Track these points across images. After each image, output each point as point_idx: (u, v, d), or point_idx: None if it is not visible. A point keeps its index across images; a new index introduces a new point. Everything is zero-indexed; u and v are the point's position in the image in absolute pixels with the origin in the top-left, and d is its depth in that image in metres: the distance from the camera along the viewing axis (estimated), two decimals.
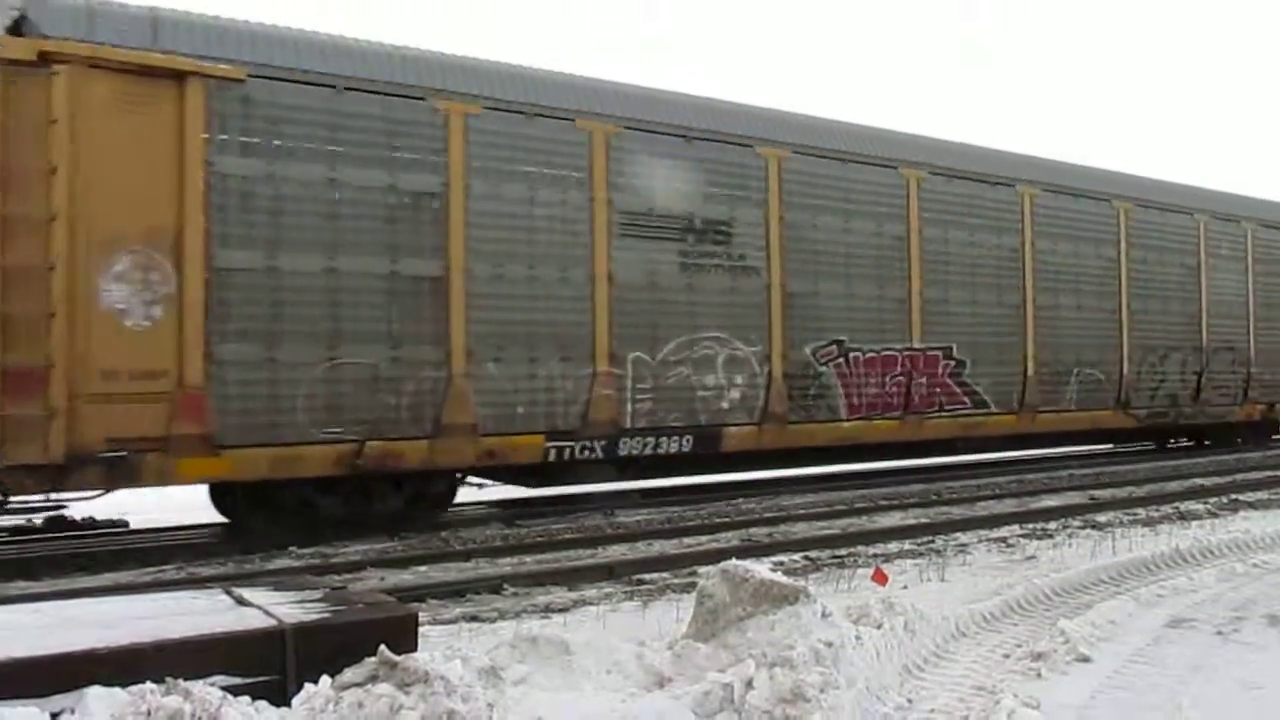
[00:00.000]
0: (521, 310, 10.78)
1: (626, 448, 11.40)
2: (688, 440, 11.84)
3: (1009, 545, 9.11)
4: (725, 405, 12.14)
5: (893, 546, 9.19)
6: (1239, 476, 14.41)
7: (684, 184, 11.95)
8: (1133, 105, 73.50)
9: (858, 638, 4.77)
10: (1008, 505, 11.88)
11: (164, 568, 8.72)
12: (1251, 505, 11.48)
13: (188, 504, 11.27)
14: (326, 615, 4.32)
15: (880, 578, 6.94)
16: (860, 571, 7.61)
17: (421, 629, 4.68)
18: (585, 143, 11.25)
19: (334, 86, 9.79)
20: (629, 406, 11.39)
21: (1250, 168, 59.29)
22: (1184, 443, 19.94)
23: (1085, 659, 5.18)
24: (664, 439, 11.65)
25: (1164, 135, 67.68)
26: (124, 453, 8.61)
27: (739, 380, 12.28)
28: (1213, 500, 11.88)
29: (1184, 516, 10.64)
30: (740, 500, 12.48)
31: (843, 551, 8.94)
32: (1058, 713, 4.40)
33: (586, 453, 11.15)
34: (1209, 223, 18.34)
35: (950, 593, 6.81)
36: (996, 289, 14.99)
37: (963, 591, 6.81)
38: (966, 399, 14.50)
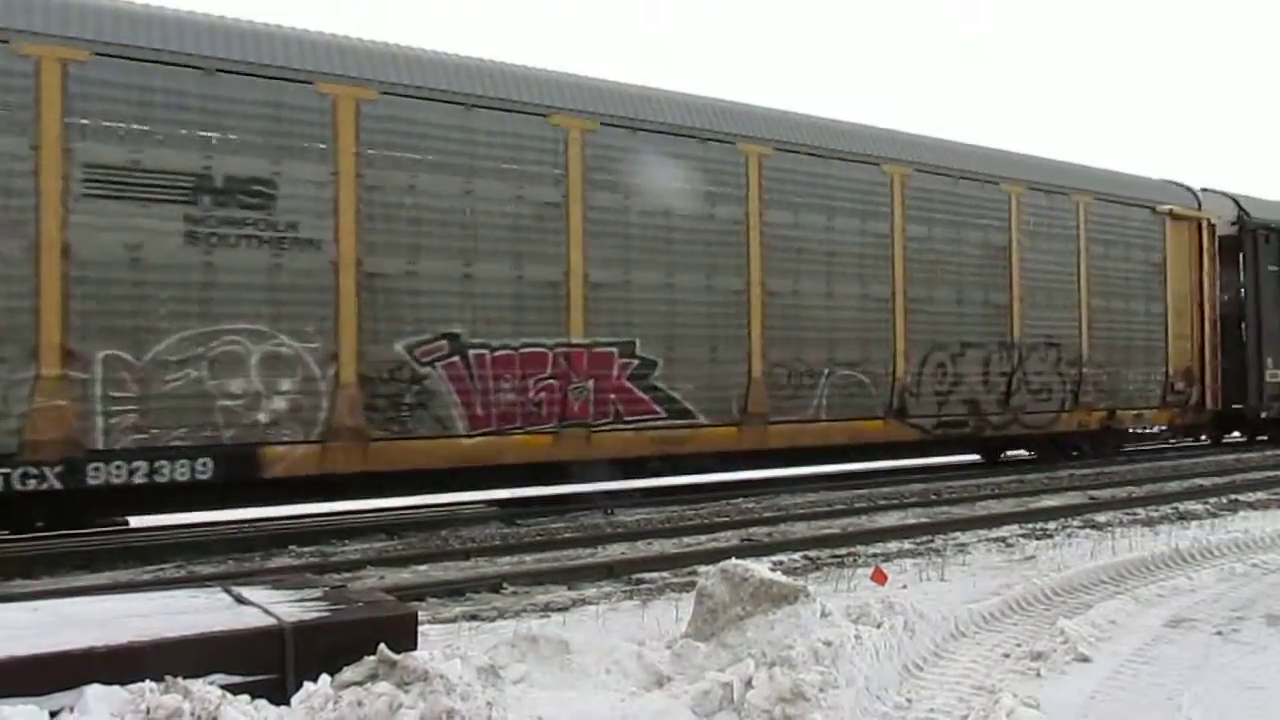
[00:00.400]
0: None
1: (102, 475, 8.73)
2: (205, 464, 9.19)
3: (1008, 545, 9.11)
4: (264, 418, 9.42)
5: (892, 546, 9.18)
6: (1239, 477, 14.40)
7: (193, 130, 9.24)
8: (1132, 105, 73.47)
9: (857, 637, 4.76)
10: (1007, 505, 11.88)
11: (163, 566, 8.73)
12: (1251, 505, 11.47)
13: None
14: (326, 614, 4.31)
15: (880, 577, 6.95)
16: (860, 571, 7.62)
17: (421, 628, 4.67)
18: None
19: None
20: (99, 421, 8.71)
21: (1251, 167, 59.32)
22: (1022, 454, 17.28)
23: (1085, 659, 5.18)
24: (165, 463, 8.97)
25: (1163, 135, 67.68)
26: None
27: (286, 386, 9.55)
28: (1212, 500, 11.88)
29: (1183, 516, 10.63)
30: (740, 499, 12.48)
31: (842, 551, 8.94)
32: (1057, 712, 4.40)
33: (33, 482, 8.52)
34: (1024, 195, 15.35)
35: (950, 592, 6.81)
36: (705, 270, 12.04)
37: (962, 591, 6.81)
38: (658, 407, 11.64)
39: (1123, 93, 73.65)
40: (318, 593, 4.75)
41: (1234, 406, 19.04)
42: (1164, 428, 18.68)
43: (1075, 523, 10.34)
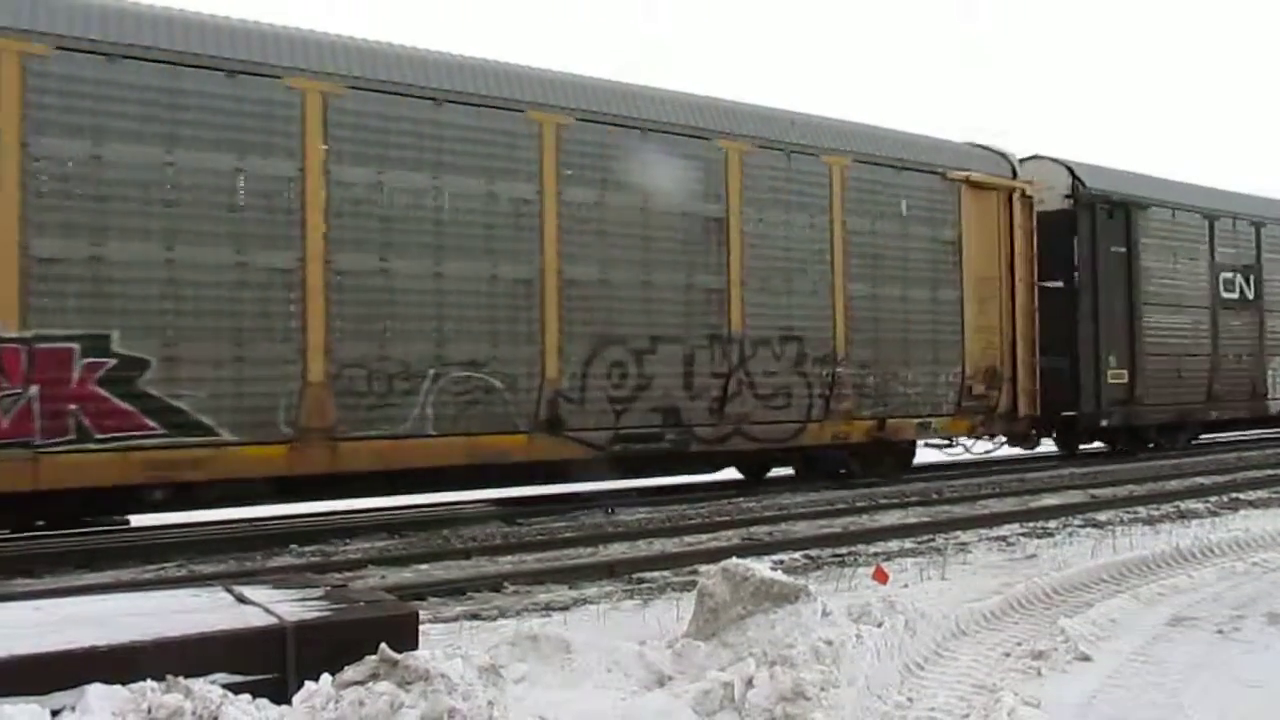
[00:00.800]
0: None
1: None
2: None
3: (1010, 544, 9.11)
4: None
5: (893, 545, 9.18)
6: (1240, 475, 14.39)
7: None
8: (1133, 104, 73.42)
9: (858, 636, 4.77)
10: (1008, 504, 11.87)
11: (165, 565, 8.73)
12: (1252, 504, 11.46)
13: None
14: (327, 613, 4.32)
15: (881, 576, 6.95)
16: (861, 570, 7.62)
17: (422, 627, 4.68)
18: None
19: None
20: None
21: (1254, 166, 59.26)
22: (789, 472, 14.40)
23: (1086, 658, 5.17)
24: None
25: (1165, 134, 67.62)
26: None
27: None
28: (1213, 499, 11.87)
29: (1184, 515, 10.62)
30: (741, 499, 12.47)
31: (843, 550, 8.94)
32: (1058, 711, 4.40)
33: None
34: (750, 154, 12.26)
35: (951, 591, 6.81)
36: (233, 242, 9.24)
37: (963, 590, 6.81)
38: (152, 421, 8.81)
39: (1123, 93, 73.63)
40: (319, 592, 4.75)
41: (1066, 414, 16.34)
42: (963, 440, 15.17)
43: (1076, 521, 10.33)
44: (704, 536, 9.90)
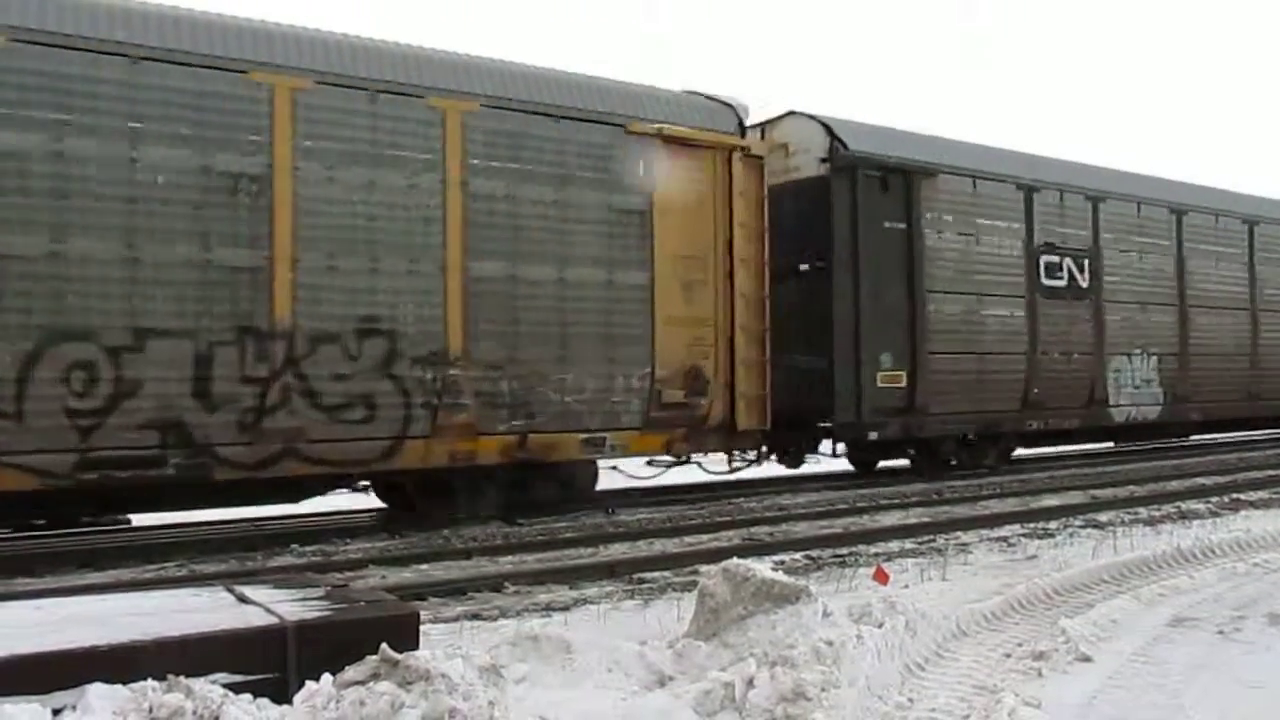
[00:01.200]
0: None
1: None
2: None
3: (1010, 544, 9.11)
4: None
5: (894, 545, 9.18)
6: (1240, 476, 14.38)
7: None
8: (1133, 104, 73.42)
9: (859, 637, 4.77)
10: (1009, 504, 11.87)
11: (165, 565, 8.73)
12: (1253, 504, 11.45)
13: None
14: (328, 613, 4.32)
15: (881, 577, 6.95)
16: (862, 570, 7.62)
17: (423, 627, 4.68)
18: None
19: None
20: None
21: (1253, 165, 59.25)
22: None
23: (1086, 658, 5.17)
24: None
25: (1164, 134, 67.62)
26: None
27: None
28: (1214, 499, 11.86)
29: (1185, 515, 10.62)
30: (742, 499, 12.47)
31: (844, 550, 8.94)
32: (1059, 712, 4.39)
33: None
34: (308, 94, 9.50)
35: (951, 592, 6.81)
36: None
37: (964, 590, 6.81)
38: None
39: (1123, 92, 73.63)
40: (320, 592, 4.75)
41: (822, 425, 13.50)
42: (657, 458, 12.25)
43: (1077, 522, 10.33)
44: (705, 537, 9.90)
